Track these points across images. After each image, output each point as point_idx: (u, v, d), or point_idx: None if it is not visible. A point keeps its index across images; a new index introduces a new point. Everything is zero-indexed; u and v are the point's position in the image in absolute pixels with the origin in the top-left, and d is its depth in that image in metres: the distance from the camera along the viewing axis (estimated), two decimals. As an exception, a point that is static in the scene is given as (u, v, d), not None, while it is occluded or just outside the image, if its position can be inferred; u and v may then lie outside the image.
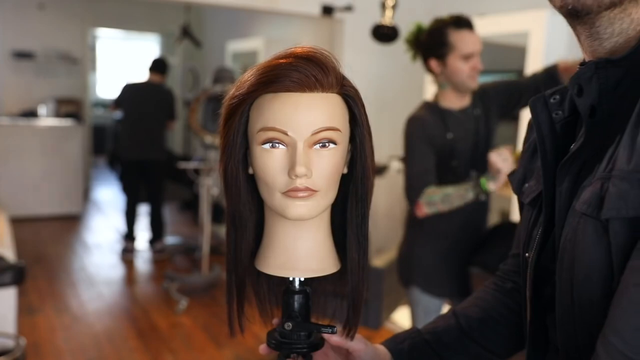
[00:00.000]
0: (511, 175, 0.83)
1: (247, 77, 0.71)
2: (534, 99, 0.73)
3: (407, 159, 1.98)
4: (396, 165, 4.13)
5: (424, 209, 1.86)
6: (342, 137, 0.71)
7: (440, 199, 1.84)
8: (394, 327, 3.53)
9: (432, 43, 1.91)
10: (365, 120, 0.75)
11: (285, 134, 0.68)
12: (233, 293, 0.79)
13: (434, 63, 1.94)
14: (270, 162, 0.69)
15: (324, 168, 0.69)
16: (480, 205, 2.01)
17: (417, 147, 1.93)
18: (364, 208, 0.76)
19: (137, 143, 4.91)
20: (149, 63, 5.00)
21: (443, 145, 1.93)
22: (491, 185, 1.80)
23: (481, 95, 2.03)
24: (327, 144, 0.69)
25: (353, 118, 0.73)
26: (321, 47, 0.73)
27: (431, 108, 1.99)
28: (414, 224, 2.09)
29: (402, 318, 3.57)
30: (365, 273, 0.78)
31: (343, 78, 0.72)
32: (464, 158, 1.96)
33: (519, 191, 0.80)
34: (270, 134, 0.68)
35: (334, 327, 0.76)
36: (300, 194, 0.68)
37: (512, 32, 3.38)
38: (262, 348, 0.79)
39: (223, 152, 0.74)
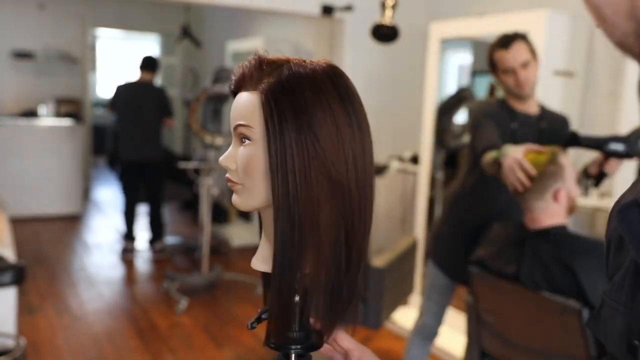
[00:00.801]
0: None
1: None
2: (623, 205, 0.56)
3: (475, 134, 2.21)
4: (396, 165, 4.13)
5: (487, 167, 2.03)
6: (257, 134, 0.72)
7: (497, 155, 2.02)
8: (394, 327, 3.53)
9: (488, 63, 2.23)
10: (293, 120, 0.69)
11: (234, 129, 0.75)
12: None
13: (495, 77, 2.25)
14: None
15: (240, 163, 0.74)
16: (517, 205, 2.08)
17: (484, 122, 2.17)
18: (278, 213, 0.71)
19: (133, 144, 4.89)
20: (139, 62, 4.96)
21: (505, 132, 2.13)
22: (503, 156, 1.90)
23: (558, 120, 2.26)
24: (244, 140, 0.74)
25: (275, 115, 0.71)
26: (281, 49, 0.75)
27: (498, 101, 2.27)
28: (450, 204, 2.38)
29: (402, 318, 3.57)
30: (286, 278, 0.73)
31: (263, 78, 0.72)
32: None
33: None
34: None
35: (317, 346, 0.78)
36: (229, 185, 0.76)
37: (512, 32, 3.38)
38: None
39: None
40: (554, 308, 1.66)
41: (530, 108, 2.22)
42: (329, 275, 0.74)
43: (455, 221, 2.35)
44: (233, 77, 0.76)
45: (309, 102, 0.70)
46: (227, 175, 0.76)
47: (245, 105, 0.73)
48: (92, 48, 8.62)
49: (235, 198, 0.76)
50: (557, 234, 1.72)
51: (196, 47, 7.02)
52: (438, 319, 2.47)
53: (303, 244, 0.71)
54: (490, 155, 1.96)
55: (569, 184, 1.76)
